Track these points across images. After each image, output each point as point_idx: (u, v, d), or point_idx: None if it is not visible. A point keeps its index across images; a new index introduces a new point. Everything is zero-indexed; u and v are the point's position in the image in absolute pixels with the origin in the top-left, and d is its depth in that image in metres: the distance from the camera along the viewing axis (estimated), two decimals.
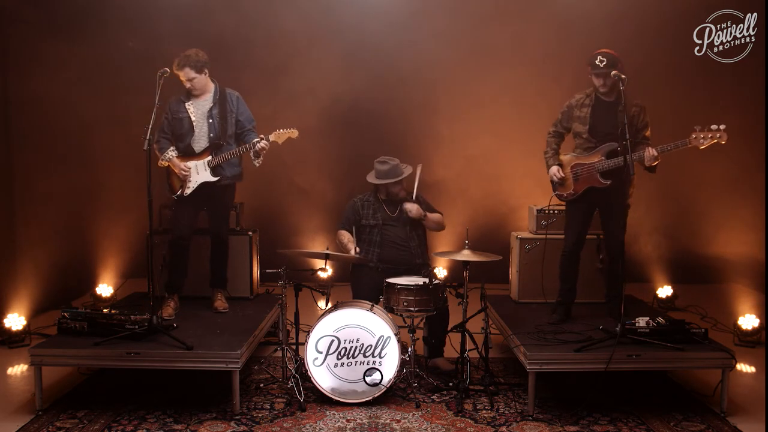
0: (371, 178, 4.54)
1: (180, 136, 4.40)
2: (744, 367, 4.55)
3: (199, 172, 4.38)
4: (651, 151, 3.98)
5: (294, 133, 4.39)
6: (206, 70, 4.37)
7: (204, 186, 4.39)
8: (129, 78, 5.91)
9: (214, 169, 4.38)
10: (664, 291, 6.04)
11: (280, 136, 4.35)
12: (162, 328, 3.85)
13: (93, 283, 6.11)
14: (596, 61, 4.10)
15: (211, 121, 4.38)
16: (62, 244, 5.85)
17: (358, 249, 4.41)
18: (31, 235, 5.58)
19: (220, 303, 4.57)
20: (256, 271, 5.13)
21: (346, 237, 4.54)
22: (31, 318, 5.13)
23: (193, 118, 4.35)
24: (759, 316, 4.99)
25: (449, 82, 6.82)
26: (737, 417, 3.70)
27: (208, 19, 6.32)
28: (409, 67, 6.72)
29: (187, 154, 4.38)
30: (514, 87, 6.60)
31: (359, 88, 6.73)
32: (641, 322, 3.82)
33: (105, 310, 4.06)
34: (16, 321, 4.89)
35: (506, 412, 3.76)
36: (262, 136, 4.34)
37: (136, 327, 3.82)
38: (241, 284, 4.97)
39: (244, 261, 4.99)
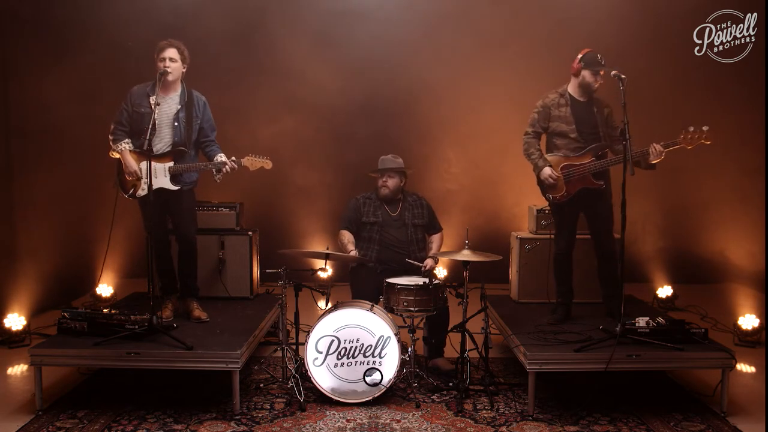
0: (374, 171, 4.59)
1: (139, 132, 4.09)
2: (744, 367, 4.55)
3: (157, 176, 4.12)
4: (657, 147, 3.99)
5: (268, 164, 4.29)
6: (184, 67, 4.21)
7: (161, 190, 4.19)
8: (129, 79, 5.91)
9: (174, 177, 4.20)
10: (664, 291, 6.04)
11: (253, 163, 4.25)
12: (162, 328, 3.84)
13: (93, 283, 6.11)
14: (599, 58, 4.12)
15: (177, 124, 4.19)
16: (62, 244, 5.86)
17: (356, 252, 4.42)
18: (32, 236, 5.59)
19: (200, 312, 4.34)
20: (256, 271, 5.13)
21: (347, 237, 4.55)
22: (31, 318, 5.13)
23: (155, 115, 3.95)
24: (759, 316, 5.00)
25: (451, 83, 6.82)
26: (737, 417, 3.69)
27: (209, 22, 6.32)
28: (410, 69, 6.73)
29: (145, 152, 3.95)
30: (514, 87, 6.59)
31: (361, 88, 6.74)
32: (641, 322, 3.81)
33: (105, 310, 4.05)
34: (16, 321, 4.89)
35: (506, 412, 3.76)
36: (233, 158, 4.21)
37: (136, 327, 3.81)
38: (241, 284, 4.98)
39: (244, 261, 4.99)
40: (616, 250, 4.01)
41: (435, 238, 4.70)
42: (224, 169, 4.21)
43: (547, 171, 4.25)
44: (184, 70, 4.24)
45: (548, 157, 4.31)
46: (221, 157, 4.24)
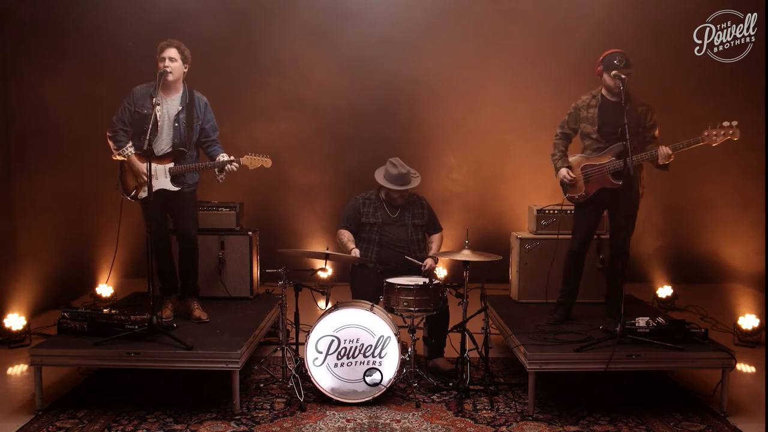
0: (379, 176, 4.52)
1: (140, 133, 4.10)
2: (744, 367, 4.55)
3: (158, 177, 4.15)
4: (665, 150, 3.98)
5: (267, 162, 4.29)
6: (186, 67, 4.21)
7: (162, 191, 4.20)
8: (129, 79, 5.91)
9: (175, 178, 4.21)
10: (664, 291, 6.04)
11: (252, 161, 4.25)
12: (162, 328, 3.84)
13: (93, 283, 6.11)
14: (615, 61, 4.07)
15: (177, 125, 4.19)
16: (62, 244, 5.86)
17: (357, 249, 4.41)
18: (32, 236, 5.59)
19: (201, 312, 4.34)
20: (256, 271, 5.13)
21: (346, 236, 4.54)
22: (31, 318, 5.13)
23: (158, 117, 4.01)
24: (759, 316, 5.00)
25: (451, 83, 6.82)
26: (737, 417, 3.69)
27: (209, 22, 6.32)
28: (410, 69, 6.73)
29: (146, 153, 3.95)
30: (515, 88, 6.61)
31: (361, 88, 6.74)
32: (641, 322, 3.82)
33: (105, 310, 4.06)
34: (16, 321, 4.89)
35: (506, 412, 3.76)
36: (232, 157, 4.21)
37: (136, 327, 3.82)
38: (241, 284, 4.98)
39: (244, 261, 4.99)
40: (627, 251, 4.05)
41: (435, 238, 4.70)
42: (226, 168, 4.21)
43: (563, 172, 4.30)
44: (186, 70, 4.23)
45: (572, 157, 4.35)
46: (223, 157, 4.24)
